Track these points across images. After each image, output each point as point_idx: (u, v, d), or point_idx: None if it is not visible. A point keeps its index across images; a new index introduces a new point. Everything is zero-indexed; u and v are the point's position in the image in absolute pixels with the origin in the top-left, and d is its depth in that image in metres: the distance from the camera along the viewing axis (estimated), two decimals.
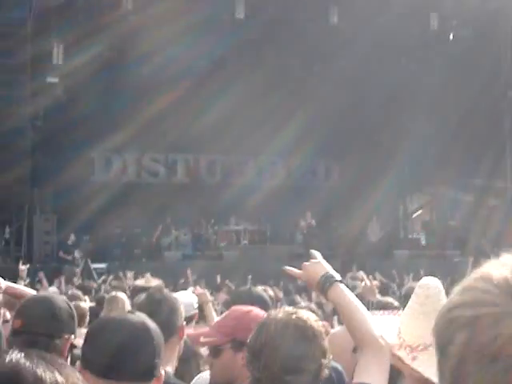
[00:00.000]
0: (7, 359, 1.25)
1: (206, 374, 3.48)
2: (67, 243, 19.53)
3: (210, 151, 23.87)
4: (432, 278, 2.41)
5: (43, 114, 20.96)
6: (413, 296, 2.39)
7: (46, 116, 20.89)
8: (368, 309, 4.01)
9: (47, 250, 20.01)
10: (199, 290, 5.86)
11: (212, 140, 22.52)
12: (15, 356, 1.26)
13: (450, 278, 12.79)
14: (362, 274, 4.75)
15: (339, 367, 3.60)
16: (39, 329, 2.79)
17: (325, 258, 2.77)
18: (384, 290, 9.61)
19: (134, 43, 20.78)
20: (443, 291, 2.35)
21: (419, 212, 26.59)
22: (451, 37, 22.56)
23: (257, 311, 3.01)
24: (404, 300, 4.90)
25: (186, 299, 4.52)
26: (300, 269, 2.74)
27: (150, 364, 2.05)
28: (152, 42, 20.15)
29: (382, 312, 2.69)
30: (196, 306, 4.74)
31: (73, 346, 2.92)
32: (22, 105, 18.94)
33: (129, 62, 21.26)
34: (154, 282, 7.45)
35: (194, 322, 4.54)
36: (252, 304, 3.13)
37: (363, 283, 5.07)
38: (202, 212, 22.20)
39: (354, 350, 3.61)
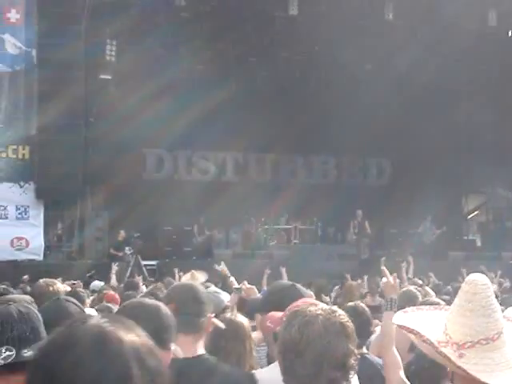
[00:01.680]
0: (92, 323, 1.42)
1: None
2: (118, 240, 19.57)
3: (259, 150, 23.73)
4: (480, 274, 2.33)
5: (96, 110, 21.10)
6: (460, 292, 2.33)
7: (98, 113, 21.01)
8: (390, 307, 3.94)
9: (98, 247, 20.07)
10: (247, 285, 5.80)
11: (261, 139, 22.40)
12: (98, 320, 1.42)
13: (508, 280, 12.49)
14: (384, 269, 4.57)
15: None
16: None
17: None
18: (437, 291, 9.52)
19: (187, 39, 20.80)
20: (491, 288, 2.30)
21: (475, 213, 26.03)
22: (510, 33, 22.01)
23: None
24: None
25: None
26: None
27: None
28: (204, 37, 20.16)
29: (428, 307, 2.58)
30: (223, 304, 5.34)
31: None
32: (76, 101, 19.05)
33: None
34: (201, 278, 7.48)
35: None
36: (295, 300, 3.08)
37: (384, 279, 4.84)
38: (252, 210, 22.06)
39: (410, 348, 3.59)
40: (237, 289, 6.11)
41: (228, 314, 4.23)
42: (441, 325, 2.37)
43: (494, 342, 2.26)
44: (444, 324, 2.35)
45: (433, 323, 2.41)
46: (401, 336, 2.96)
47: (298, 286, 3.83)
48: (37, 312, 2.78)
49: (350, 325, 2.40)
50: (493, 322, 2.28)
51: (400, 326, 2.42)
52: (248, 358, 4.03)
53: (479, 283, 2.29)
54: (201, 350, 3.28)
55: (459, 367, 2.23)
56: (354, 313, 4.50)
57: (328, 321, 2.35)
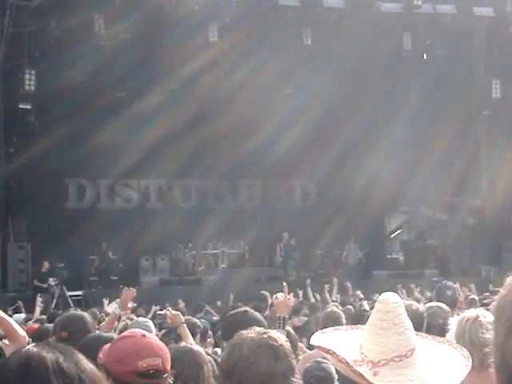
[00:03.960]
0: (23, 350, 1.55)
1: None
2: (42, 271, 19.19)
3: (184, 176, 23.62)
4: (391, 293, 2.39)
5: (16, 140, 20.74)
6: (373, 311, 2.37)
7: (18, 143, 20.66)
8: (282, 326, 3.98)
9: (22, 279, 19.62)
10: (172, 312, 5.74)
11: (186, 164, 22.36)
12: (28, 348, 1.56)
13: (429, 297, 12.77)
14: (285, 286, 4.52)
15: None
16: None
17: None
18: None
19: (108, 68, 20.77)
20: (403, 306, 2.35)
21: (397, 232, 26.52)
22: (425, 56, 22.66)
23: (138, 339, 2.76)
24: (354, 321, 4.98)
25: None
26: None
27: None
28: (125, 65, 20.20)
29: (345, 327, 2.61)
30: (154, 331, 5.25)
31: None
32: None
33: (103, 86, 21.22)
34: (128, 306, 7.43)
35: None
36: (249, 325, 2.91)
37: (279, 294, 4.78)
38: (178, 236, 21.94)
39: None
40: (159, 315, 6.05)
41: (183, 343, 4.21)
42: (357, 344, 2.39)
43: (407, 359, 2.30)
44: (359, 343, 2.38)
45: (350, 343, 2.43)
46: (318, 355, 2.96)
47: (251, 311, 3.86)
48: None
49: (284, 347, 2.40)
50: (405, 339, 2.32)
51: (317, 347, 2.47)
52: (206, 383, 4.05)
53: (391, 302, 2.34)
54: None
55: None
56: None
57: (256, 342, 2.37)
